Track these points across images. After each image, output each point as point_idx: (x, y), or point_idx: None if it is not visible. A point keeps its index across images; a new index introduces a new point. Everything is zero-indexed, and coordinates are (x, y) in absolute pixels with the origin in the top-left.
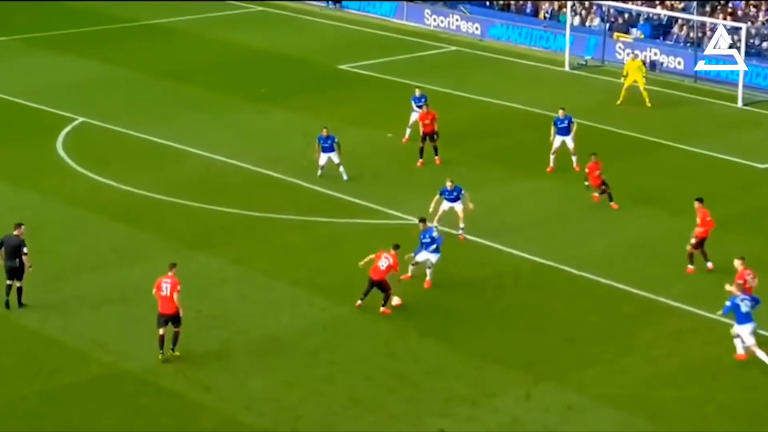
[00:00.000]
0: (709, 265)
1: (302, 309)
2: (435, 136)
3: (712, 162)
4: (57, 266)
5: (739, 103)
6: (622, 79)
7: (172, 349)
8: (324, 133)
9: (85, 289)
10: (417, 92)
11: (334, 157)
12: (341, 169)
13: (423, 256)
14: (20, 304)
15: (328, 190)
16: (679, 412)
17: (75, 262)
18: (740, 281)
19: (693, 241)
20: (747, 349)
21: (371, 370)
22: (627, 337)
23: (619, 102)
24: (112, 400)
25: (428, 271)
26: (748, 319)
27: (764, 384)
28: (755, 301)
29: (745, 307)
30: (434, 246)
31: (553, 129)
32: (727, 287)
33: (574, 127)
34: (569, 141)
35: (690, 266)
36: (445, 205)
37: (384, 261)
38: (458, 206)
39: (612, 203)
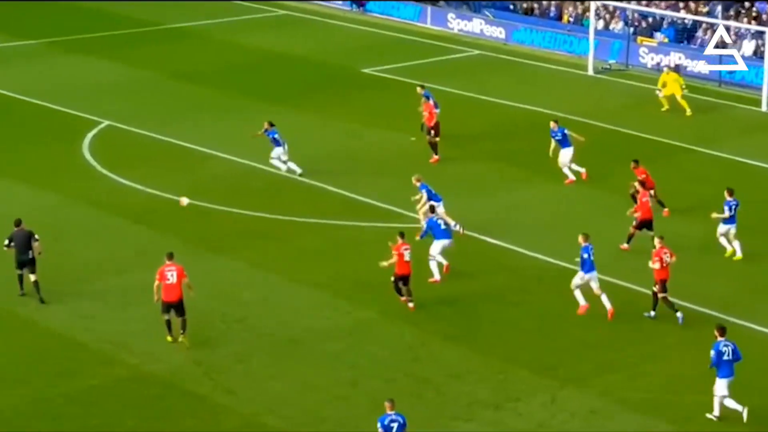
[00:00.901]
0: (624, 245)
1: (325, 312)
2: (432, 132)
3: (736, 166)
4: (81, 268)
5: (764, 107)
6: (662, 90)
7: (182, 333)
8: (267, 126)
9: (110, 291)
10: (418, 90)
11: (281, 151)
12: (292, 165)
13: (440, 247)
14: (41, 300)
15: (351, 193)
16: (703, 417)
17: (99, 265)
18: (657, 258)
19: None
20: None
21: (394, 373)
22: (651, 342)
23: (664, 109)
24: (136, 402)
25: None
26: (593, 268)
27: None
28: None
29: (591, 256)
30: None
31: (552, 141)
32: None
33: (573, 139)
34: (568, 151)
35: (625, 244)
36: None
37: (408, 254)
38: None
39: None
